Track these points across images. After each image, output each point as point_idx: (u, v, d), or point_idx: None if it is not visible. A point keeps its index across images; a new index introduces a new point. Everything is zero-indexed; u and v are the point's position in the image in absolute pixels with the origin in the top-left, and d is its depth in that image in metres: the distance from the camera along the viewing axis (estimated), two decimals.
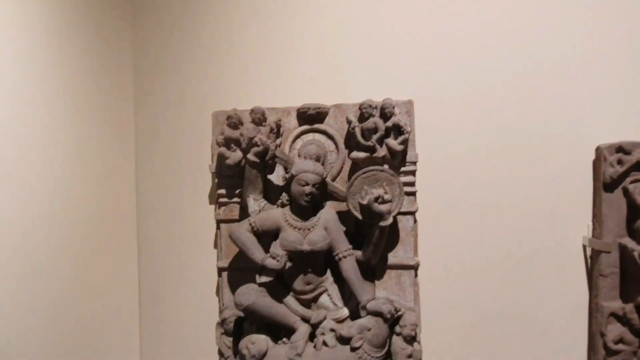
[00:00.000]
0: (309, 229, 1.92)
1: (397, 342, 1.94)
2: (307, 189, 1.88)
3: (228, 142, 2.03)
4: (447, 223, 2.08)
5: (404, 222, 2.02)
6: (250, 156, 1.94)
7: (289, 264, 1.88)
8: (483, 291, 2.07)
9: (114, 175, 2.35)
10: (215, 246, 2.22)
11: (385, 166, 1.95)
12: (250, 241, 1.92)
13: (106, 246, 2.31)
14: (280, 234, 1.92)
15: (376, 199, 1.84)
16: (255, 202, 1.99)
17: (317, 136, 2.08)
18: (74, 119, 2.20)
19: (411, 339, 1.94)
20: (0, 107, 1.96)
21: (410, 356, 1.94)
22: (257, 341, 1.90)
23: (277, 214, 1.96)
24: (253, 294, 1.88)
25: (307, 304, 1.97)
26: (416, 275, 2.03)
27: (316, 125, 2.08)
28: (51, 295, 2.24)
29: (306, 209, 1.94)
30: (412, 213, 2.02)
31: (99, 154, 2.29)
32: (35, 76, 2.02)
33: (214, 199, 2.20)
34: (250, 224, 1.93)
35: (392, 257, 2.03)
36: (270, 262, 1.86)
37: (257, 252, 1.89)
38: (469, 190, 2.07)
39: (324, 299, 1.98)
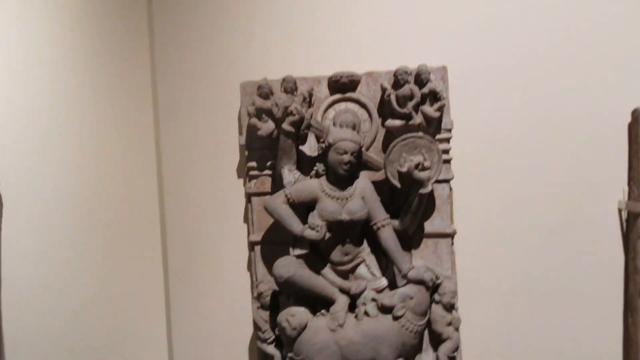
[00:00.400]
0: (346, 199, 1.89)
1: (436, 310, 1.93)
2: (346, 157, 1.84)
3: (259, 113, 1.97)
4: (482, 190, 2.06)
5: (440, 190, 1.99)
6: (286, 126, 1.89)
7: (327, 235, 1.85)
8: (519, 257, 2.06)
9: (135, 150, 2.29)
10: (246, 220, 2.18)
11: (420, 133, 1.91)
12: (287, 213, 1.88)
13: (130, 225, 2.26)
14: (318, 205, 1.89)
15: (416, 166, 1.81)
16: (290, 174, 1.95)
17: (350, 105, 2.04)
18: (86, 92, 2.14)
19: (450, 307, 1.94)
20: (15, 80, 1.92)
21: (449, 324, 1.94)
22: (297, 314, 1.88)
23: (313, 185, 1.92)
24: (292, 266, 1.85)
25: (344, 275, 1.95)
26: (452, 244, 2.02)
27: (349, 94, 2.03)
28: (73, 276, 2.20)
29: (343, 178, 1.90)
30: (448, 181, 2.00)
31: (117, 130, 2.23)
32: (45, 46, 1.97)
33: (243, 172, 2.16)
34: (286, 196, 1.90)
35: (429, 226, 2.01)
36: (310, 233, 1.83)
37: (295, 224, 1.86)
38: (503, 157, 2.05)
39: (361, 269, 1.95)
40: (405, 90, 1.92)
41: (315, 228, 1.83)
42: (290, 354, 1.88)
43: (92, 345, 2.25)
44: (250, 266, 2.17)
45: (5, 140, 2.17)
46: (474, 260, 2.06)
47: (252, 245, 2.10)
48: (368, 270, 1.95)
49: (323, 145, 1.91)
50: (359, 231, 1.95)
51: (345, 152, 1.84)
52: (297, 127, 1.91)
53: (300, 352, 1.84)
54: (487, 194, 2.06)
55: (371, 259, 1.97)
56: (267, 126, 1.97)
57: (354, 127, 1.94)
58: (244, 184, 2.16)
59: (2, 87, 2.14)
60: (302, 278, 1.85)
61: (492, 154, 2.05)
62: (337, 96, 2.04)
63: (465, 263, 2.05)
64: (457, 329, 1.95)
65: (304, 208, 1.93)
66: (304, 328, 1.86)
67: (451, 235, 2.01)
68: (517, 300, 2.07)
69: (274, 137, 1.98)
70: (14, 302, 2.20)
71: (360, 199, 1.90)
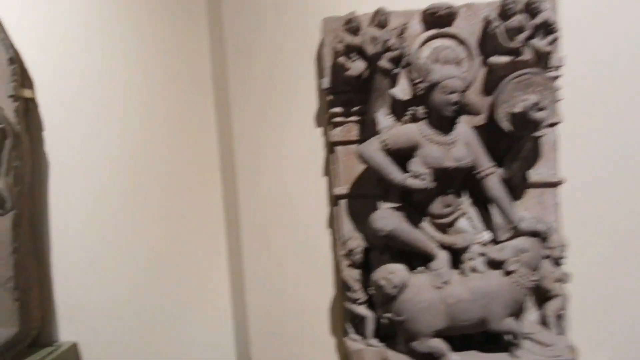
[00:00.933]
0: (449, 145, 1.71)
1: (544, 265, 1.78)
2: (454, 97, 1.65)
3: (349, 51, 1.76)
4: (592, 135, 1.88)
5: (547, 135, 1.81)
6: (384, 62, 1.69)
7: (433, 184, 1.68)
8: (630, 209, 1.90)
9: (197, 96, 2.10)
10: (326, 172, 2.00)
11: (535, 69, 1.71)
12: (385, 161, 1.70)
13: (197, 180, 2.10)
14: (419, 151, 1.71)
15: (533, 106, 1.62)
16: (385, 118, 1.75)
17: (447, 42, 1.83)
18: (140, 29, 2.02)
19: (559, 262, 1.78)
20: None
21: (559, 280, 1.79)
22: (397, 271, 1.72)
23: (412, 130, 1.73)
24: (394, 219, 1.68)
25: (442, 229, 1.78)
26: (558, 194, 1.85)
27: (446, 29, 1.82)
28: (134, 237, 2.08)
29: (447, 122, 1.72)
30: (555, 124, 1.81)
31: (177, 74, 2.06)
32: None
33: (322, 119, 1.96)
34: (382, 142, 1.71)
35: (534, 175, 1.84)
36: (413, 182, 1.65)
37: (395, 172, 1.68)
38: (617, 98, 1.86)
39: (462, 222, 1.79)
40: (514, 21, 1.72)
41: (419, 176, 1.65)
42: (387, 315, 1.73)
43: (155, 309, 2.12)
44: (332, 222, 1.99)
45: (51, 97, 2.02)
46: (580, 211, 1.89)
47: (335, 199, 1.92)
48: (470, 223, 1.78)
49: (423, 85, 1.71)
50: (460, 181, 1.77)
51: (453, 91, 1.65)
52: (395, 65, 1.70)
53: (402, 312, 1.69)
54: (597, 139, 1.88)
55: (473, 211, 1.80)
56: (356, 65, 1.77)
57: (457, 65, 1.73)
58: (325, 133, 1.97)
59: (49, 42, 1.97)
60: (404, 232, 1.69)
61: (605, 95, 1.86)
62: (433, 31, 1.83)
63: (571, 215, 1.87)
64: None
65: (396, 157, 1.75)
66: (404, 286, 1.70)
67: (557, 185, 1.84)
68: (627, 255, 1.92)
69: (362, 78, 1.78)
70: (65, 264, 2.08)
71: (464, 144, 1.72)
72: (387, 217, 1.68)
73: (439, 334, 1.69)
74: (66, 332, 2.16)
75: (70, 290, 2.14)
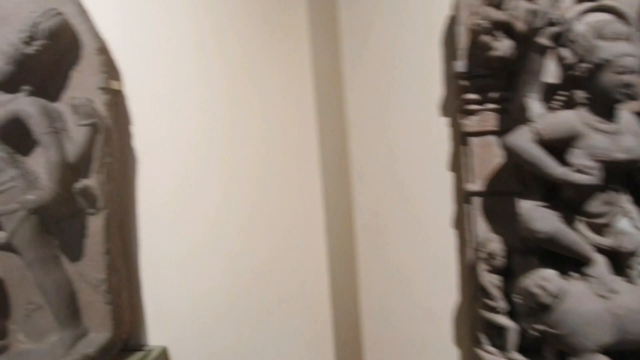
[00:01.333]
0: (616, 134, 1.49)
1: None
2: (628, 78, 1.43)
3: (495, 28, 1.55)
4: None
5: None
6: (544, 40, 1.47)
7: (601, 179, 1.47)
8: None
9: (296, 85, 1.91)
10: (452, 166, 1.80)
11: None
12: (540, 153, 1.49)
13: (293, 173, 1.92)
14: (581, 142, 1.49)
15: None
16: (537, 104, 1.54)
17: (603, 16, 1.60)
18: (237, 16, 1.84)
19: None
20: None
21: None
22: (552, 278, 1.52)
23: (571, 117, 1.52)
24: (554, 220, 1.49)
25: (597, 230, 1.57)
26: None
27: (603, 1, 1.59)
28: (231, 231, 1.93)
29: (609, 108, 1.50)
30: None
31: (275, 58, 1.87)
32: None
33: (448, 107, 1.76)
34: (536, 132, 1.50)
35: None
36: (579, 177, 1.45)
37: (555, 167, 1.48)
38: None
39: (622, 222, 1.57)
40: None
41: (586, 170, 1.44)
42: (539, 327, 1.54)
43: (248, 313, 1.97)
44: (459, 221, 1.80)
45: (139, 89, 1.88)
46: None
47: (467, 196, 1.72)
48: (632, 223, 1.57)
49: (586, 66, 1.49)
50: (622, 175, 1.56)
51: (626, 72, 1.43)
52: (555, 43, 1.49)
53: (562, 324, 1.49)
54: None
55: (634, 210, 1.58)
56: (504, 45, 1.55)
57: (627, 41, 1.50)
58: (452, 122, 1.77)
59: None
60: (564, 234, 1.49)
61: None
62: (588, 4, 1.59)
63: None
64: None
65: (547, 149, 1.54)
66: (563, 295, 1.50)
67: None
68: None
69: (506, 60, 1.57)
70: (154, 265, 1.95)
71: (632, 134, 1.51)
72: (546, 218, 1.48)
73: (603, 349, 1.48)
74: (155, 336, 2.04)
75: (159, 292, 2.03)
